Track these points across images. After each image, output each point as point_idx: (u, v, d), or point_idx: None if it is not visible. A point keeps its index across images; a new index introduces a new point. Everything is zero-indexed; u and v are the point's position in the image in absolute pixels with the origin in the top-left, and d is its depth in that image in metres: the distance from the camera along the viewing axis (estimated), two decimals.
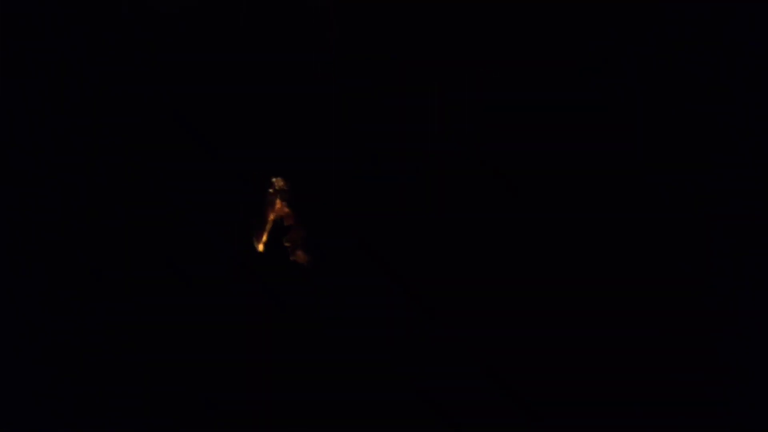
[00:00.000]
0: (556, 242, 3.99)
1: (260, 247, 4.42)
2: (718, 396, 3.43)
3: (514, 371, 3.88)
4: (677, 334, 3.68)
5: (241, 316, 4.01)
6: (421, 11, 3.99)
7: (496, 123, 4.08)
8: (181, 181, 3.88)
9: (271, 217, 4.43)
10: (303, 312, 4.31)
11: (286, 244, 4.48)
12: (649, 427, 3.32)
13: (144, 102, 3.29)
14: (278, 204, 4.41)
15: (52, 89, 2.69)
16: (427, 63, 4.09)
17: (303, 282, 4.42)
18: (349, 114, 4.05)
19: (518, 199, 4.33)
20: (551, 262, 3.94)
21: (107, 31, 2.90)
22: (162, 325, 3.63)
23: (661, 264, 3.92)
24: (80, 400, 2.59)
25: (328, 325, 4.01)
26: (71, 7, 2.62)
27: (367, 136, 3.90)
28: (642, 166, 4.15)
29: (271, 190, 4.33)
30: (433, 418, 3.53)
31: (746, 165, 3.87)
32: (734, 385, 3.39)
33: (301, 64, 3.85)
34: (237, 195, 5.15)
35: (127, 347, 3.06)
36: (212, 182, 4.46)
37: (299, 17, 3.59)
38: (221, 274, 3.94)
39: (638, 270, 3.89)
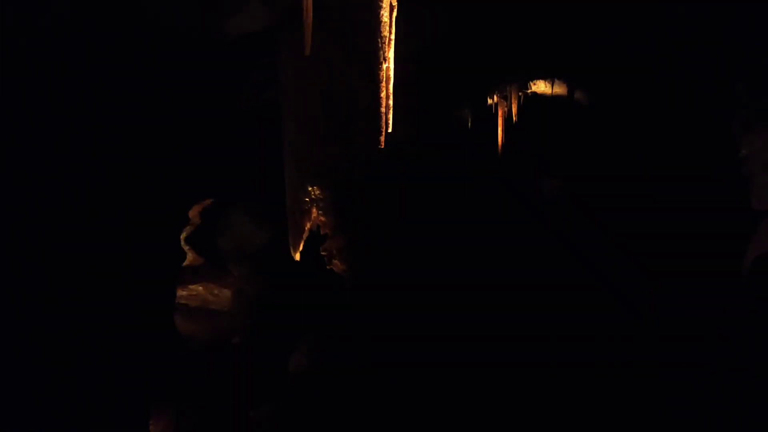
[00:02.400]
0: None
1: (297, 256, 4.33)
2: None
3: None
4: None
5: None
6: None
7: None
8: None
9: (308, 226, 4.33)
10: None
11: (323, 253, 4.40)
12: None
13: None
14: (314, 213, 4.31)
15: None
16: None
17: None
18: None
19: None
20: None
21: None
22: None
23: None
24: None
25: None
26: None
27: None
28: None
29: (306, 199, 4.23)
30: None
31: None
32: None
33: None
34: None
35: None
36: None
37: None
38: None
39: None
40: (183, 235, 5.99)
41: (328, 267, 4.49)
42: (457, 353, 4.49)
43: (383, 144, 3.07)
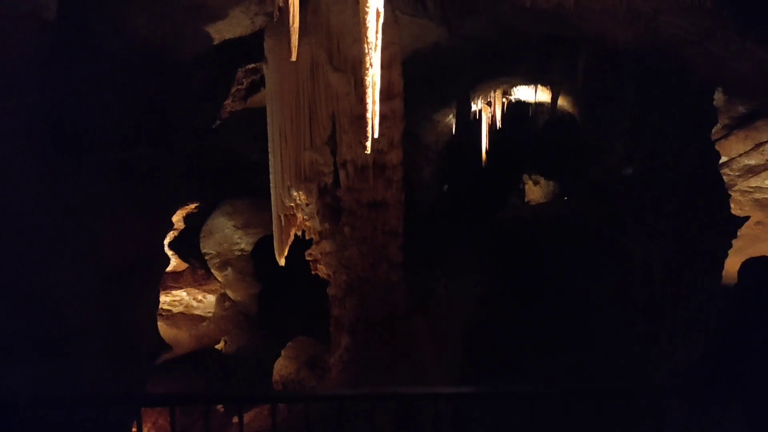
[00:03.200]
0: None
1: (282, 261, 4.32)
2: None
3: None
4: None
5: None
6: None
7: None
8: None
9: (293, 231, 4.32)
10: None
11: (308, 258, 4.38)
12: None
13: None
14: (300, 218, 4.29)
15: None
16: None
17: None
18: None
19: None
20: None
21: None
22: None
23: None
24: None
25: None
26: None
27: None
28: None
29: (292, 204, 4.21)
30: None
31: None
32: None
33: None
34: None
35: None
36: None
37: None
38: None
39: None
40: (167, 240, 5.94)
41: (313, 272, 4.47)
42: (453, 354, 4.49)
43: (369, 149, 3.07)
